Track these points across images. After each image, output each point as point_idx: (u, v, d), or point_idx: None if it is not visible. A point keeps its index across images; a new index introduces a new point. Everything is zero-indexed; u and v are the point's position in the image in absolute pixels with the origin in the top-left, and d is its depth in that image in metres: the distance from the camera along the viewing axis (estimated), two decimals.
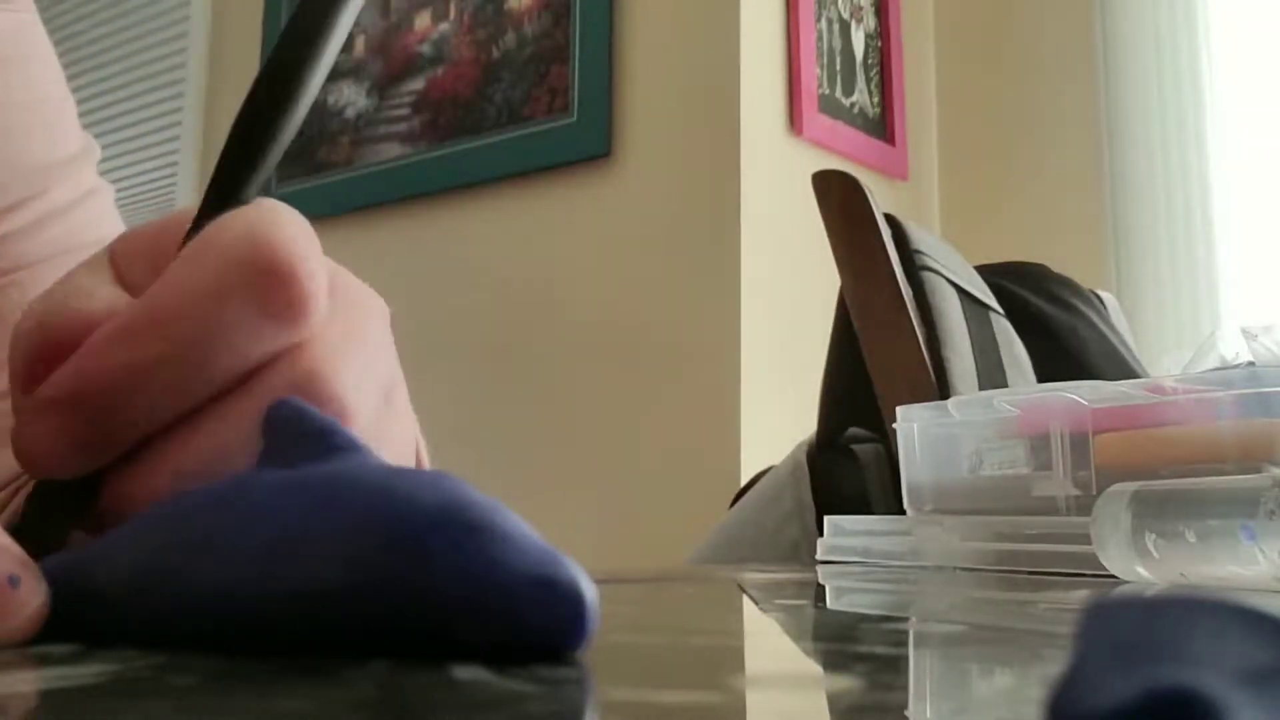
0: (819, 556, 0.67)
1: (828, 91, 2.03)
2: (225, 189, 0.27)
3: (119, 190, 2.87)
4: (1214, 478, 0.46)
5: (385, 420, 0.28)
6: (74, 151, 0.53)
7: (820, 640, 0.31)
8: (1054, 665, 0.23)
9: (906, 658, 0.26)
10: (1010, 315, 1.33)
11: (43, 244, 0.49)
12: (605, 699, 0.18)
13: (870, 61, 2.16)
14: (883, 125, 2.17)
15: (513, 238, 2.08)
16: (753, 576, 0.59)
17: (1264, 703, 0.10)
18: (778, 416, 1.76)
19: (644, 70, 1.97)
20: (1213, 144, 2.00)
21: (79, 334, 0.25)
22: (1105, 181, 2.11)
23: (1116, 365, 1.37)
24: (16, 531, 0.24)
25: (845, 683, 0.20)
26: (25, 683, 0.18)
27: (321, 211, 2.36)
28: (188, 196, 2.64)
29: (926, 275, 1.11)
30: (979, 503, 0.63)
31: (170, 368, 0.24)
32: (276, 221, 0.25)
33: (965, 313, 1.16)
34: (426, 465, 0.33)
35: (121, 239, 0.28)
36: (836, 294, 1.17)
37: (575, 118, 2.01)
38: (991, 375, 1.15)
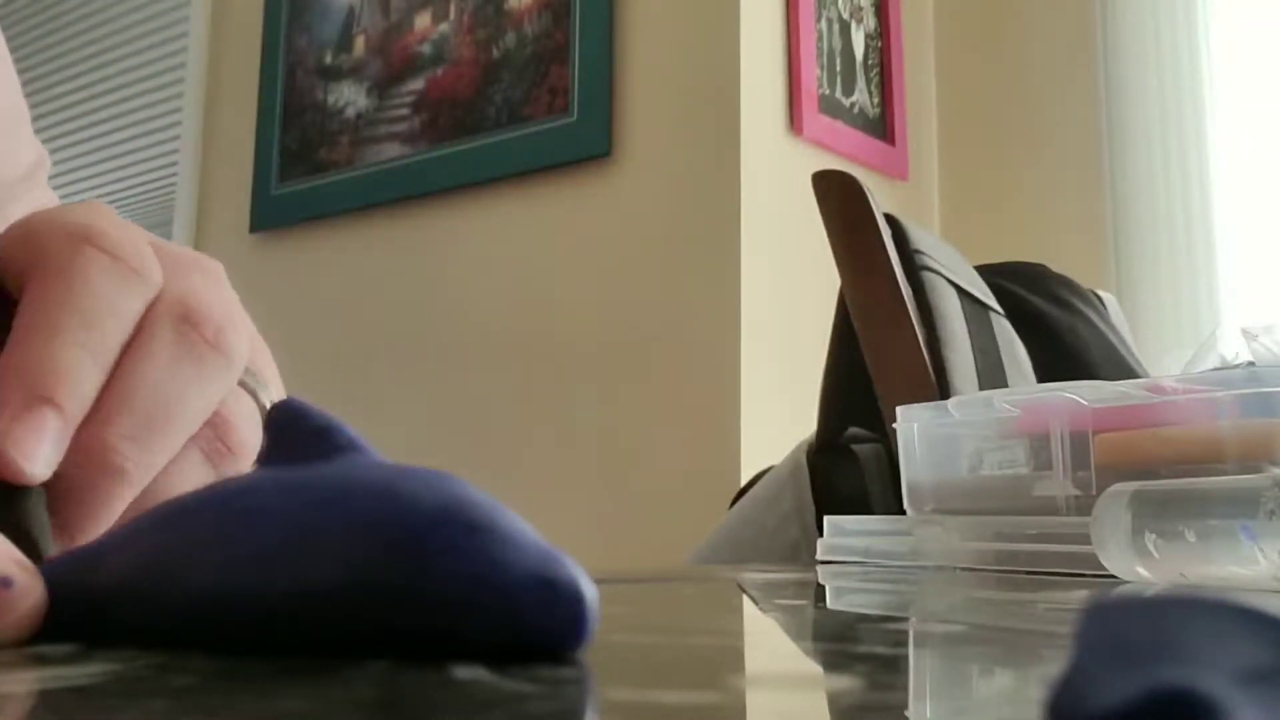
0: (819, 556, 0.67)
1: (828, 91, 2.03)
2: None
3: (119, 190, 2.87)
4: (1214, 478, 0.46)
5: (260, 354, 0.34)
6: (29, 165, 0.53)
7: (820, 640, 0.31)
8: (1054, 665, 0.23)
9: (906, 658, 0.26)
10: (1010, 315, 1.33)
11: None
12: (605, 699, 0.18)
13: (870, 61, 2.16)
14: (883, 125, 2.17)
15: (513, 238, 2.08)
16: (753, 576, 0.59)
17: (1264, 703, 0.10)
18: (778, 416, 1.76)
19: (644, 70, 1.97)
20: (1213, 144, 2.00)
21: None
22: (1105, 181, 2.11)
23: (1116, 365, 1.37)
24: None
25: (845, 683, 0.20)
26: (25, 683, 0.18)
27: (321, 211, 2.36)
28: (188, 196, 2.64)
29: (926, 275, 1.11)
30: (979, 503, 0.63)
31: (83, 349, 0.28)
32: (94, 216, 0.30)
33: (965, 313, 1.16)
34: (276, 384, 0.35)
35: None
36: (836, 294, 1.17)
37: (575, 118, 2.01)
38: (991, 375, 1.15)
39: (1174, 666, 0.11)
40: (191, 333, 0.30)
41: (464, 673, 0.18)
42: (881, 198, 1.15)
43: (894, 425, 0.69)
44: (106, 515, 0.28)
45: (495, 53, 2.14)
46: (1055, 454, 0.60)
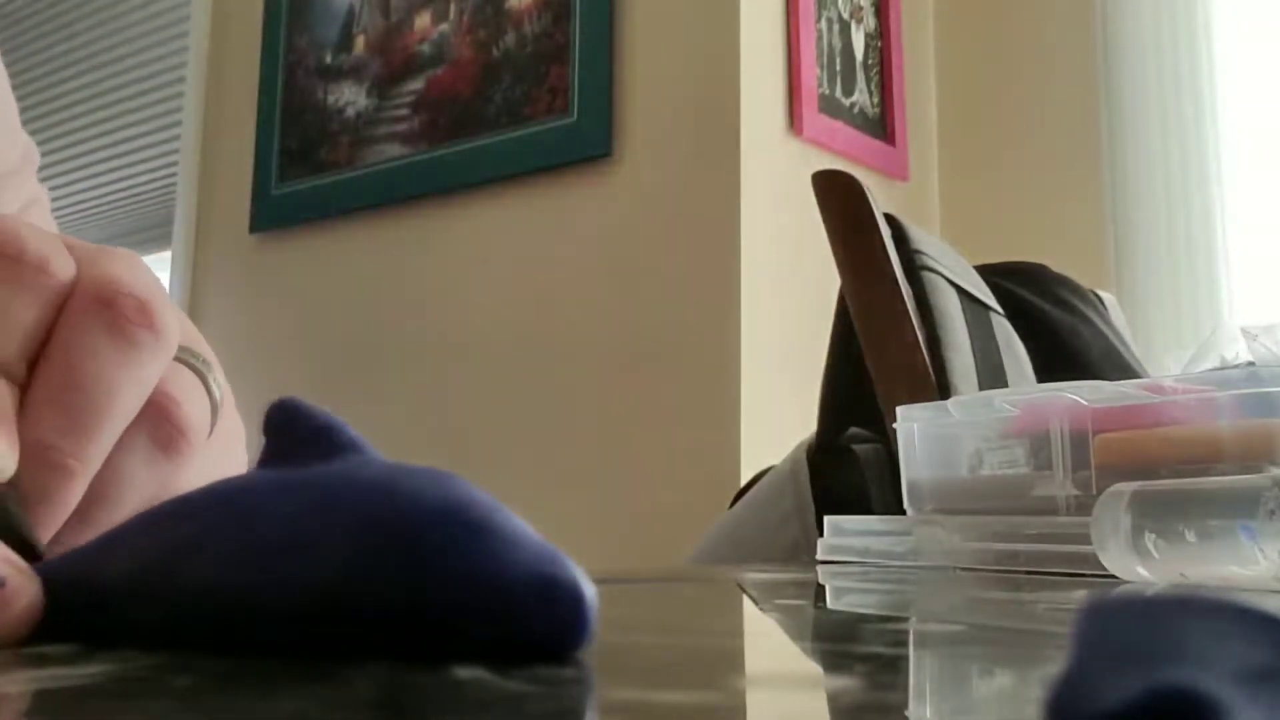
0: (819, 556, 0.67)
1: (828, 91, 2.03)
2: None
3: (119, 190, 2.87)
4: (1214, 478, 0.46)
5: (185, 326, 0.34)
6: (16, 160, 0.53)
7: (820, 640, 0.31)
8: (1054, 665, 0.23)
9: (906, 658, 0.26)
10: (1010, 315, 1.33)
11: None
12: (605, 699, 0.18)
13: (870, 61, 2.16)
14: (883, 125, 2.17)
15: (513, 238, 2.08)
16: (753, 576, 0.59)
17: (1264, 702, 0.10)
18: (778, 416, 1.76)
19: (644, 70, 1.97)
20: (1213, 144, 2.00)
21: None
22: (1105, 182, 2.11)
23: (1117, 365, 1.37)
24: None
25: (845, 683, 0.20)
26: (25, 683, 0.18)
27: (321, 212, 2.36)
28: (188, 196, 2.64)
29: (926, 275, 1.11)
30: (979, 503, 0.63)
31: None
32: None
33: (965, 313, 1.16)
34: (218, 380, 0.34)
35: None
36: (836, 294, 1.17)
37: (575, 118, 2.01)
38: (991, 375, 1.15)
39: (1174, 666, 0.11)
40: (111, 313, 0.29)
41: (464, 673, 0.18)
42: (881, 198, 1.15)
43: (894, 425, 0.69)
44: (59, 512, 0.28)
45: (495, 53, 2.14)
46: (1055, 454, 0.60)
